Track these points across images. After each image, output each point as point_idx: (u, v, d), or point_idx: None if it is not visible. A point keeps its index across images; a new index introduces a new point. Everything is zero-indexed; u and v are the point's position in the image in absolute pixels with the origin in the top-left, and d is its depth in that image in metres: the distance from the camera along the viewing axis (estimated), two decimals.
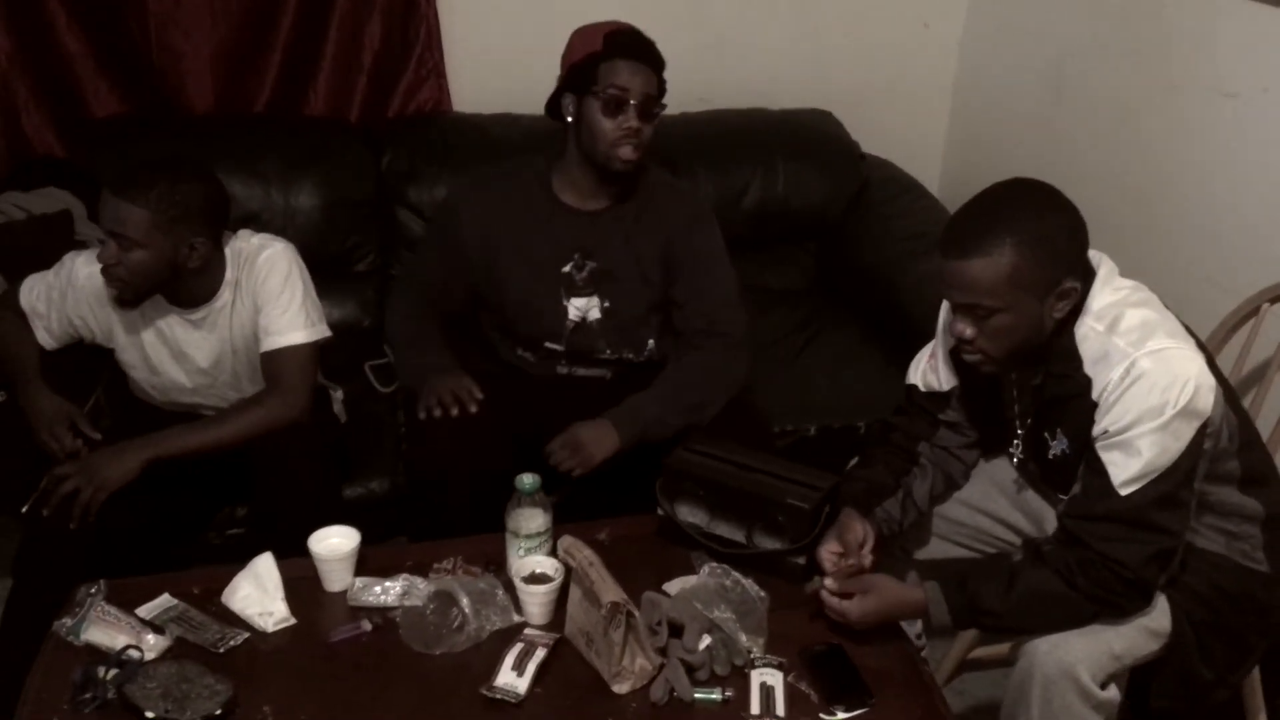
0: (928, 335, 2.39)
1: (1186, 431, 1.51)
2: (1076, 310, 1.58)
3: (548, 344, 2.21)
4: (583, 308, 2.18)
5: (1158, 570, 1.58)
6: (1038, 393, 1.67)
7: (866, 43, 3.09)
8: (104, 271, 1.92)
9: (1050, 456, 1.70)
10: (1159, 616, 1.62)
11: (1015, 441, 1.77)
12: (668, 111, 2.87)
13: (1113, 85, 2.63)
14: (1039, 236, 1.52)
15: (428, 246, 2.35)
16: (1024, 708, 1.58)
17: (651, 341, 2.24)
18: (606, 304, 2.18)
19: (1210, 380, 1.53)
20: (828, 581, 1.65)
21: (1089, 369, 1.56)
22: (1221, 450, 1.61)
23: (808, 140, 2.93)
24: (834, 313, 2.86)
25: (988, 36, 3.10)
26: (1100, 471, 1.55)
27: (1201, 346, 1.60)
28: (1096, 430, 1.55)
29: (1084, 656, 1.56)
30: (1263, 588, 1.69)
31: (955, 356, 1.78)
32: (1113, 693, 1.59)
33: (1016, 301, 1.53)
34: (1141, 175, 2.55)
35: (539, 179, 2.17)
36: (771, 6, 2.98)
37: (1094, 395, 1.55)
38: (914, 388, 1.88)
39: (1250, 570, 1.68)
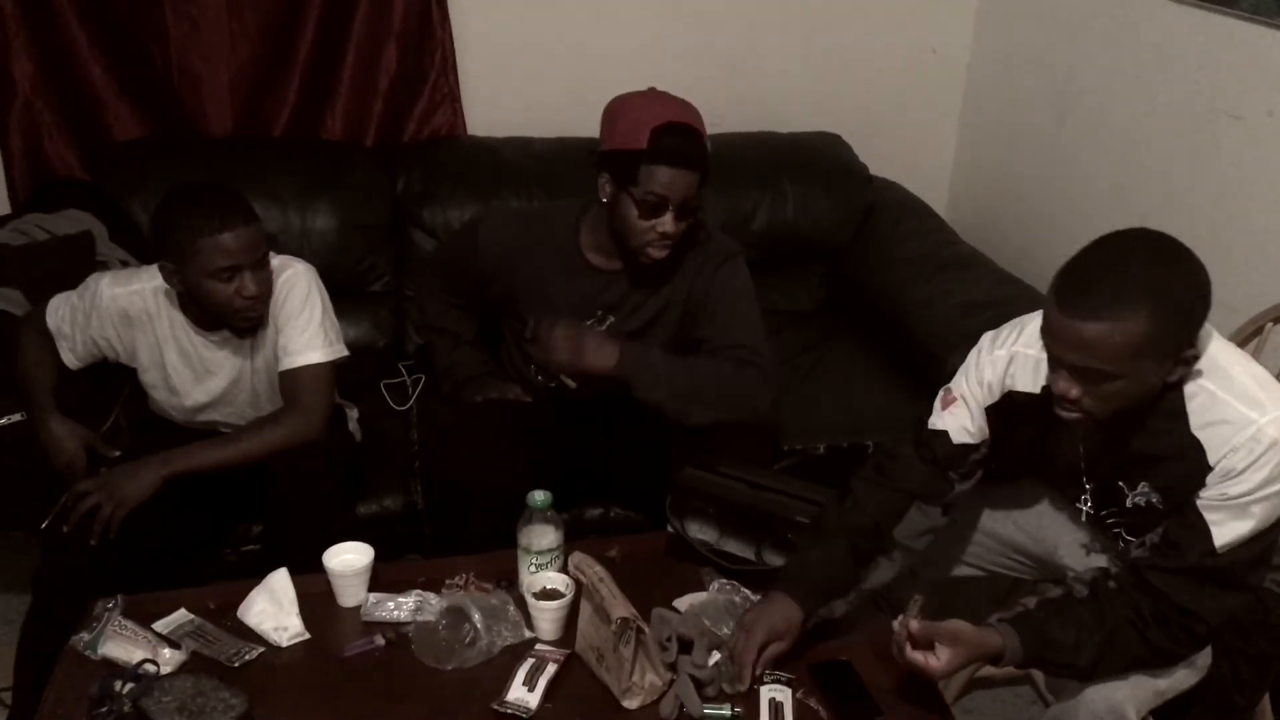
0: (934, 356, 2.40)
1: None
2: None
3: (563, 378, 2.20)
4: None
5: (1226, 623, 1.55)
6: (1123, 445, 1.57)
7: (875, 66, 3.12)
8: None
9: (1129, 505, 1.62)
10: (1204, 654, 1.60)
11: (1084, 497, 1.68)
12: None
13: (1118, 107, 2.66)
14: (1174, 302, 1.40)
15: (446, 257, 2.39)
16: None
17: None
18: None
19: None
20: (913, 624, 1.53)
21: (1198, 431, 1.48)
22: None
23: (816, 163, 2.96)
24: (842, 334, 2.88)
25: (995, 61, 3.12)
26: (1197, 527, 1.48)
27: None
28: (1211, 492, 1.48)
29: (1132, 695, 1.54)
30: None
31: (992, 411, 1.68)
32: None
33: (1138, 369, 1.41)
34: (1146, 196, 2.57)
35: (568, 230, 2.13)
36: (781, 30, 3.02)
37: (1211, 460, 1.46)
38: (944, 435, 1.69)
39: (1278, 595, 1.67)
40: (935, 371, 2.40)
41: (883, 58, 3.12)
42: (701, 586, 1.80)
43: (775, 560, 1.81)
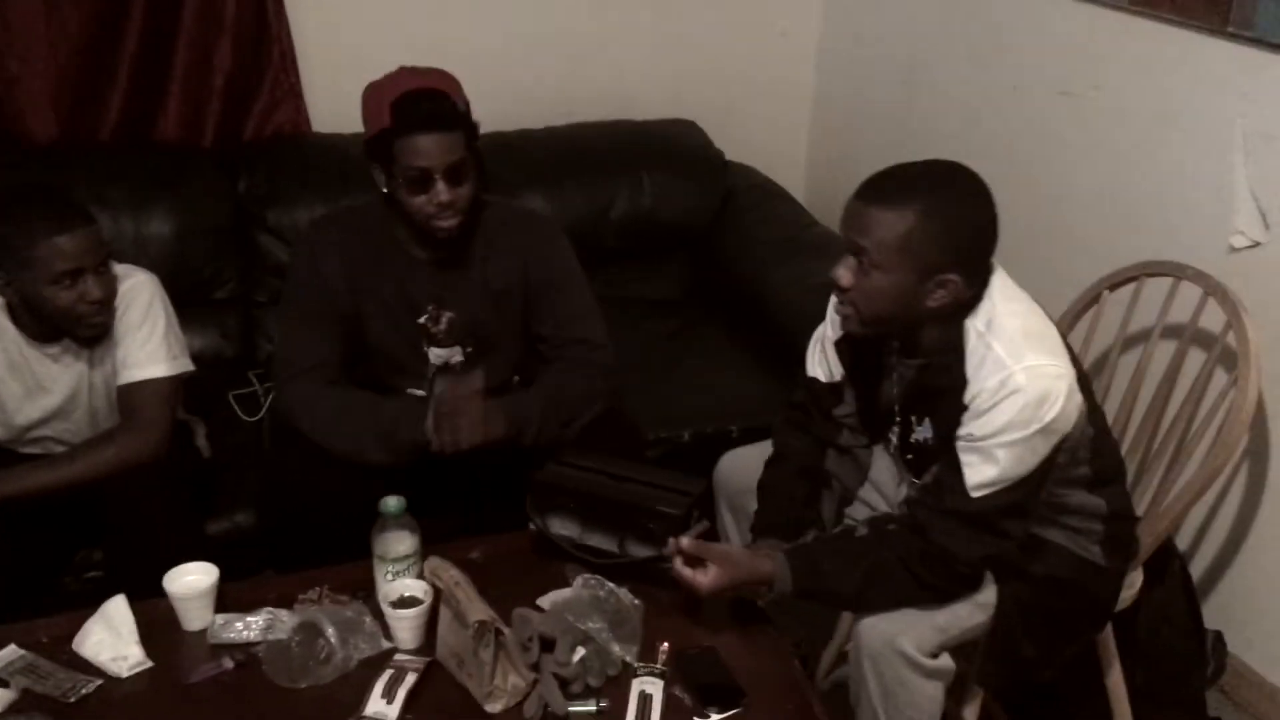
0: (796, 337, 2.42)
1: (1044, 447, 1.55)
2: (968, 308, 1.59)
3: (412, 390, 2.13)
4: (444, 355, 2.11)
5: (988, 566, 1.64)
6: (916, 378, 1.68)
7: (726, 52, 3.13)
8: None
9: (912, 440, 1.73)
10: (986, 592, 1.67)
11: (894, 426, 1.77)
12: (531, 125, 2.90)
13: (960, 87, 2.73)
14: (946, 217, 1.53)
15: (297, 312, 2.07)
16: (863, 685, 1.62)
17: (516, 378, 2.19)
18: (469, 349, 2.11)
19: (1077, 399, 1.57)
20: (685, 541, 1.64)
21: (968, 370, 1.57)
22: (1075, 459, 1.65)
23: (672, 150, 2.96)
24: (705, 320, 2.89)
25: (843, 44, 3.17)
26: (956, 470, 1.57)
27: (1075, 360, 1.63)
28: (962, 431, 1.57)
29: (906, 628, 1.59)
30: (1095, 578, 1.74)
31: (839, 345, 1.80)
32: (945, 661, 1.63)
33: (896, 267, 1.53)
34: (989, 172, 2.56)
35: (384, 224, 2.01)
36: (629, 17, 3.01)
37: (966, 398, 1.57)
38: (814, 380, 1.86)
39: (1086, 561, 1.73)
40: (796, 352, 2.45)
41: (733, 43, 3.12)
42: (566, 583, 1.77)
43: (639, 551, 1.79)
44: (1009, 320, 1.57)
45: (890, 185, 1.56)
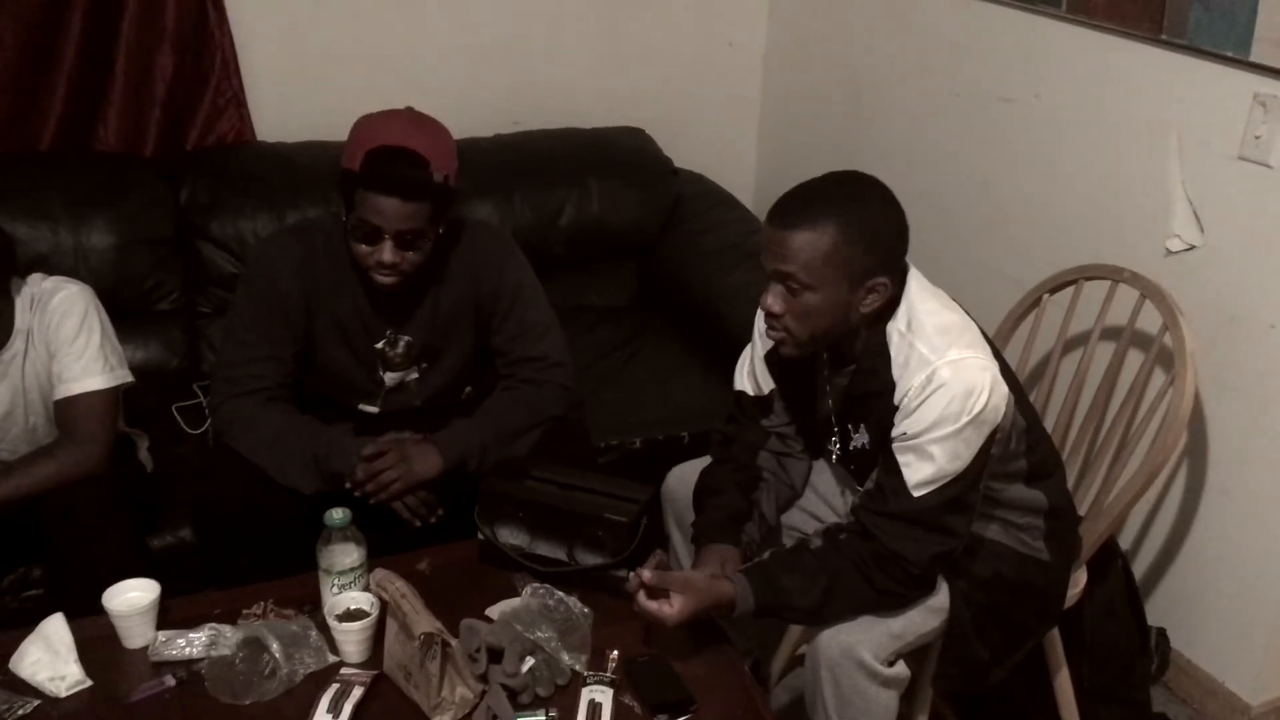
0: (745, 343, 2.45)
1: (977, 439, 1.57)
2: (889, 311, 1.62)
3: (362, 407, 2.12)
4: (399, 377, 2.10)
5: (939, 566, 1.65)
6: (848, 387, 1.70)
7: (674, 61, 3.14)
8: None
9: (852, 448, 1.74)
10: (939, 596, 1.68)
11: (833, 438, 1.79)
12: (479, 134, 2.89)
13: (903, 95, 2.76)
14: (864, 223, 1.56)
15: (246, 326, 2.01)
16: (819, 693, 1.62)
17: (469, 389, 2.18)
18: (425, 365, 2.10)
19: (1003, 389, 1.59)
20: (646, 574, 1.60)
21: (894, 371, 1.60)
22: (1010, 452, 1.68)
23: (621, 158, 2.96)
24: (655, 327, 2.89)
25: (788, 53, 3.20)
26: (895, 471, 1.59)
27: (997, 354, 1.66)
28: (895, 432, 1.59)
29: (864, 637, 1.60)
30: (1041, 575, 1.77)
31: (769, 360, 1.81)
32: (900, 669, 1.64)
33: (828, 282, 1.55)
34: (932, 178, 2.67)
35: (344, 245, 1.93)
36: (578, 26, 3.01)
37: (895, 399, 1.59)
38: (742, 393, 1.88)
39: (1031, 558, 1.75)
40: None
41: (681, 52, 3.14)
42: (515, 592, 1.76)
43: (587, 559, 1.80)
44: (928, 318, 1.60)
45: (802, 206, 1.57)
